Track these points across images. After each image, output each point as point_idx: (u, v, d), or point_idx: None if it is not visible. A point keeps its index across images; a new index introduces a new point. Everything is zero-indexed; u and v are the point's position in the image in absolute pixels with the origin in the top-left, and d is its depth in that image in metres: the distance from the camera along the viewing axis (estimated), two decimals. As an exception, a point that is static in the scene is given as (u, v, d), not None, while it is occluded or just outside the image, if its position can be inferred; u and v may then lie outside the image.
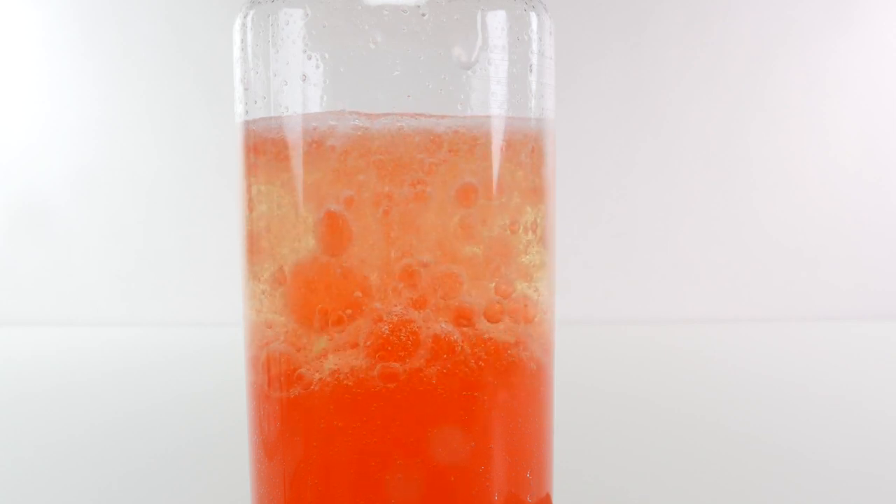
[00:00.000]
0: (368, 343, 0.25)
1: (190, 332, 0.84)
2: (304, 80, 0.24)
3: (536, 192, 0.27)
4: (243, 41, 0.26)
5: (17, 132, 0.91)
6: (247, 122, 0.27)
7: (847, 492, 0.38)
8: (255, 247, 0.27)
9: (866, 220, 0.92)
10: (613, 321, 0.90)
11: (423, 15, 0.24)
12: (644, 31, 0.90)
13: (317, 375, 0.25)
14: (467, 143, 0.25)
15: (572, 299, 0.88)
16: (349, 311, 0.25)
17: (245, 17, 0.26)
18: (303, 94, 0.25)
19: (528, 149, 0.26)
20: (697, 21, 0.89)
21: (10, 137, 0.91)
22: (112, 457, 0.44)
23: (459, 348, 0.25)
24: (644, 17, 0.89)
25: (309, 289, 0.25)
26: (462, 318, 0.25)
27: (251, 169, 0.26)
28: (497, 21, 0.25)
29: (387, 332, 0.25)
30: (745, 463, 0.42)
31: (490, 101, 0.25)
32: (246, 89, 0.26)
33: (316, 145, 0.25)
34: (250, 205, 0.27)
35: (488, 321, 0.25)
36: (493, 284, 0.25)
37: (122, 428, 0.50)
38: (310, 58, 0.24)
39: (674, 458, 0.43)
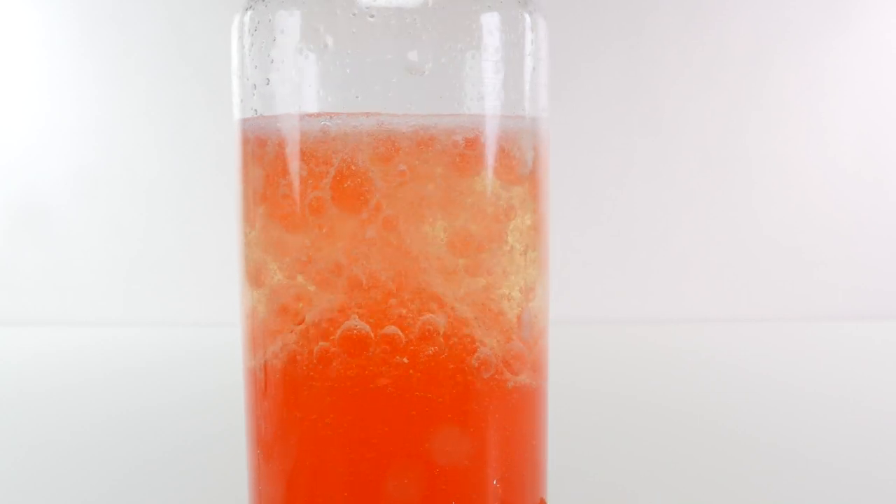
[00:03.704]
0: (359, 344, 0.25)
1: (190, 332, 0.84)
2: (299, 80, 0.25)
3: (530, 195, 0.27)
4: (241, 41, 0.26)
5: (17, 132, 0.91)
6: (244, 122, 0.27)
7: (847, 492, 0.38)
8: (251, 246, 0.27)
9: (865, 220, 0.92)
10: (612, 321, 0.90)
11: (417, 16, 0.24)
12: (642, 30, 0.90)
13: (311, 374, 0.25)
14: (461, 144, 0.25)
15: (570, 299, 0.88)
16: (342, 311, 0.25)
17: (243, 17, 0.26)
18: (298, 94, 0.25)
19: (521, 149, 0.26)
20: (695, 21, 0.90)
21: (10, 137, 0.91)
22: (112, 457, 0.44)
23: (447, 356, 0.25)
24: (642, 16, 0.89)
25: (304, 288, 0.25)
26: (452, 324, 0.25)
27: (248, 168, 0.27)
28: (491, 22, 0.25)
29: (376, 336, 0.25)
30: (745, 463, 0.42)
31: (484, 101, 0.25)
32: (243, 89, 0.26)
33: (311, 144, 0.25)
34: (248, 203, 0.27)
35: (480, 328, 0.25)
36: (486, 291, 0.25)
37: (121, 428, 0.50)
38: (306, 58, 0.24)
39: (673, 458, 0.43)
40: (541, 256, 0.27)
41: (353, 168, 0.24)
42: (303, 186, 0.25)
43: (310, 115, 0.25)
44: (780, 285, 0.92)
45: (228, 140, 0.29)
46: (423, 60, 0.24)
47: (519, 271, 0.26)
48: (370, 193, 0.24)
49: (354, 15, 0.24)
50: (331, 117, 0.24)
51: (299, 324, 0.25)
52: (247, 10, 0.26)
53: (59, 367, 0.70)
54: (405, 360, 0.25)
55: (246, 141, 0.27)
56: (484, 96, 0.25)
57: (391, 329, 0.25)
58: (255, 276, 0.27)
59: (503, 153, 0.26)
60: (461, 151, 0.25)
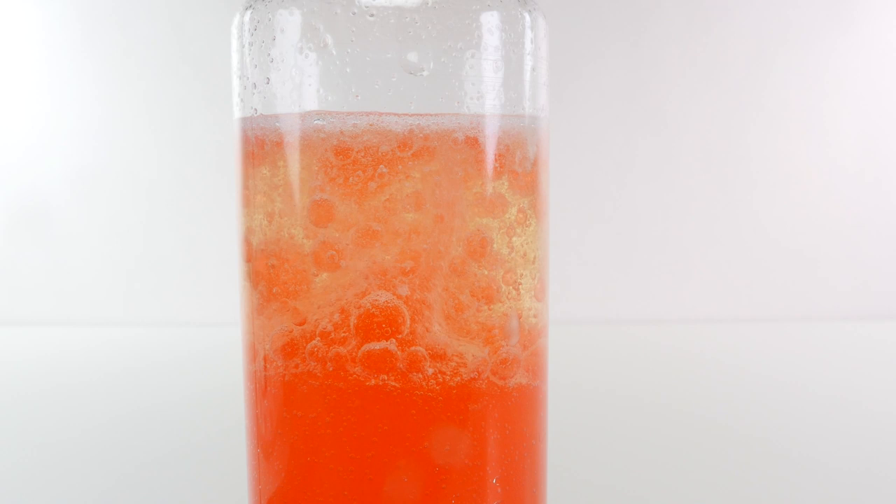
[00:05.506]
0: (354, 345, 0.25)
1: (190, 332, 0.84)
2: (299, 79, 0.24)
3: (530, 194, 0.27)
4: (241, 40, 0.26)
5: (17, 132, 0.92)
6: (243, 121, 0.27)
7: (847, 492, 0.38)
8: (251, 245, 0.27)
9: (866, 221, 0.92)
10: (612, 321, 0.90)
11: (417, 15, 0.24)
12: (644, 30, 0.90)
13: (307, 373, 0.25)
14: (460, 143, 0.25)
15: (571, 299, 0.88)
16: (339, 311, 0.25)
17: (243, 16, 0.26)
18: (298, 93, 0.25)
19: (521, 148, 0.26)
20: (697, 21, 0.90)
21: (10, 137, 0.92)
22: (112, 457, 0.44)
23: (442, 356, 0.25)
24: (644, 16, 0.89)
25: (302, 286, 0.25)
26: (448, 323, 0.25)
27: (247, 167, 0.27)
28: (491, 21, 0.25)
29: (373, 335, 0.25)
30: (745, 463, 0.42)
31: (484, 100, 0.25)
32: (243, 88, 0.26)
33: (311, 144, 0.25)
34: (247, 203, 0.27)
35: (479, 326, 0.25)
36: (485, 289, 0.25)
37: (121, 428, 0.50)
38: (305, 57, 0.24)
39: (673, 458, 0.43)
40: (541, 256, 0.27)
41: (353, 167, 0.24)
42: (303, 185, 0.25)
43: (310, 114, 0.25)
44: (781, 285, 0.92)
45: (228, 140, 0.29)
46: (422, 60, 0.24)
47: (518, 270, 0.26)
48: (369, 193, 0.24)
49: (354, 14, 0.24)
50: (333, 117, 0.24)
51: (300, 324, 0.25)
52: (247, 9, 0.26)
53: (59, 367, 0.70)
54: (420, 375, 0.25)
55: (246, 140, 0.27)
56: (484, 95, 0.25)
57: (392, 344, 0.25)
58: (255, 276, 0.27)
59: (503, 152, 0.26)
60: (461, 150, 0.25)
